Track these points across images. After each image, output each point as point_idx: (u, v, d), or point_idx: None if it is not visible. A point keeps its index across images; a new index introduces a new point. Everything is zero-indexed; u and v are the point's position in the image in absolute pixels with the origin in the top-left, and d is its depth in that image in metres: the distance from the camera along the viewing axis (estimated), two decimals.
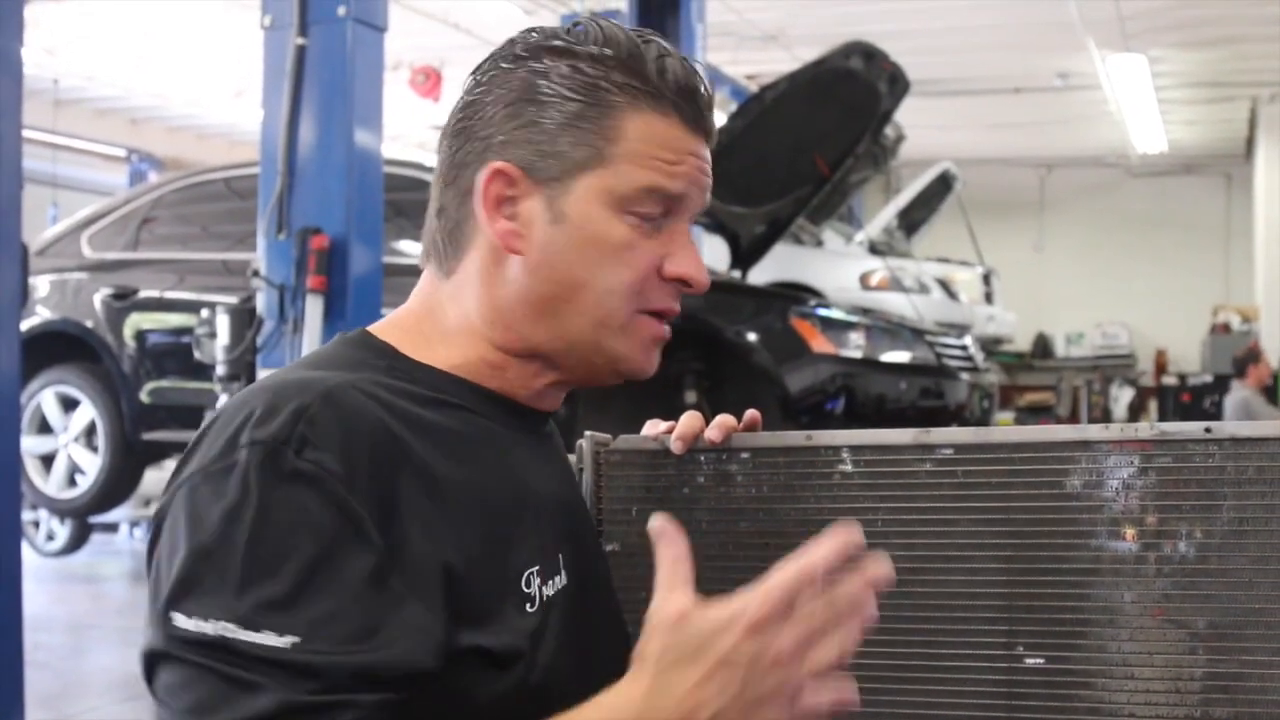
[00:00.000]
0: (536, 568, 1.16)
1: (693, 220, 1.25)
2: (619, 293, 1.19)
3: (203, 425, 1.09)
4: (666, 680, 0.94)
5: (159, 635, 0.98)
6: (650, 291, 1.21)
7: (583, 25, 1.20)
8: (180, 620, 0.97)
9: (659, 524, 1.01)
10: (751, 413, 1.42)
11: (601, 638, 1.25)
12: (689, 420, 1.40)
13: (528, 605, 1.13)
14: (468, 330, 1.21)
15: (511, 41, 1.23)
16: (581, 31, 1.20)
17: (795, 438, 1.38)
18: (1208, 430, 1.26)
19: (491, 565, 1.11)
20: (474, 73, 1.23)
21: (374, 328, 1.24)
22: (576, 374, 1.24)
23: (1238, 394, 9.66)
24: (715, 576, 1.35)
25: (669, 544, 1.00)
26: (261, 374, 4.22)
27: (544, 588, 1.16)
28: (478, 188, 1.18)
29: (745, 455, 1.39)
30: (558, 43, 1.19)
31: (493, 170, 1.18)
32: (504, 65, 1.20)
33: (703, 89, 1.21)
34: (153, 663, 0.99)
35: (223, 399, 4.95)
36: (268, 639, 0.95)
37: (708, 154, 1.23)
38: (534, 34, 1.22)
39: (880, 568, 0.95)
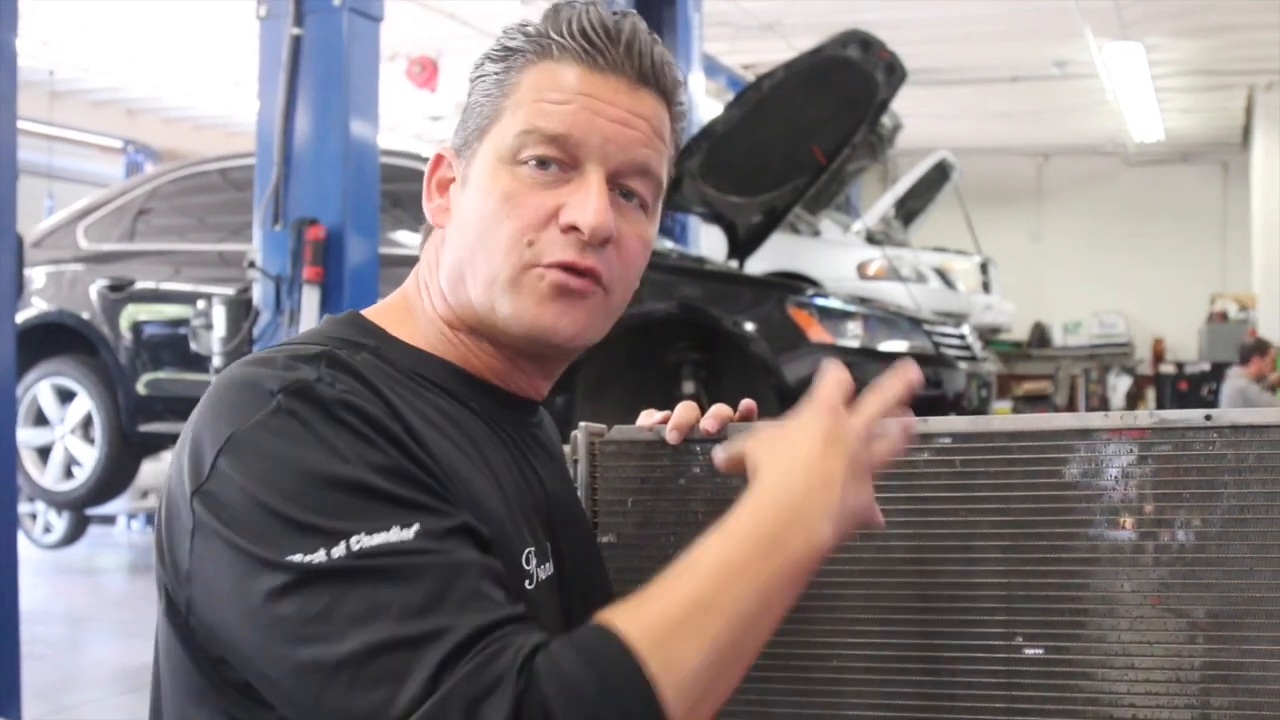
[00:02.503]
0: (531, 548, 1.16)
1: (616, 172, 1.17)
2: (501, 246, 1.15)
3: (204, 402, 1.08)
4: (797, 462, 1.08)
5: (276, 580, 0.97)
6: (541, 244, 1.15)
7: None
8: (301, 558, 0.96)
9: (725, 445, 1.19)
10: (747, 402, 1.40)
11: None
12: (684, 410, 1.39)
13: (526, 582, 1.13)
14: (429, 309, 1.23)
15: None
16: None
17: None
18: (1208, 418, 1.25)
19: (499, 535, 1.11)
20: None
21: (365, 310, 1.26)
22: (506, 345, 1.21)
23: (1235, 382, 9.66)
24: None
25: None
26: None
27: (538, 569, 1.16)
28: (426, 174, 1.25)
29: None
30: (507, 30, 1.21)
31: (435, 157, 1.24)
32: (474, 68, 1.24)
33: (614, 28, 1.17)
34: (272, 601, 0.97)
35: None
36: (395, 535, 0.97)
37: (633, 98, 1.18)
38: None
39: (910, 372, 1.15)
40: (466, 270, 1.18)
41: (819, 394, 1.13)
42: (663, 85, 1.20)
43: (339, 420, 1.02)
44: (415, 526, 0.98)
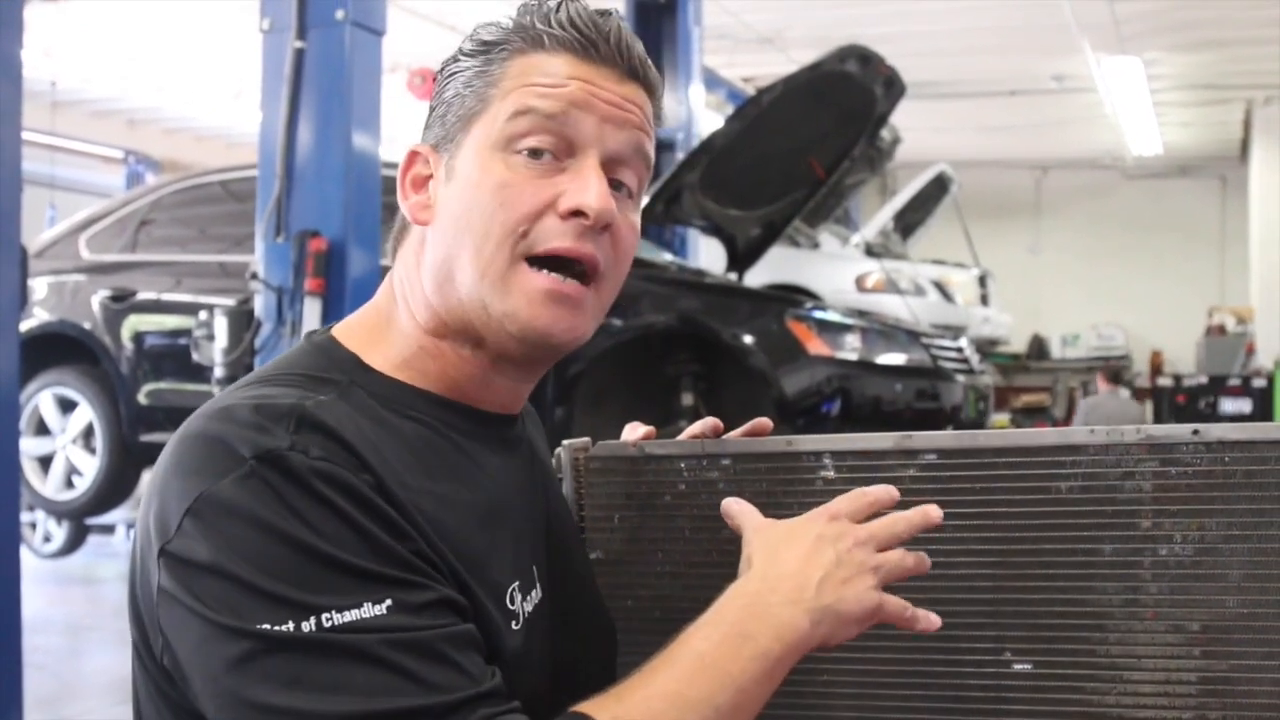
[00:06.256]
0: (516, 583, 1.14)
1: (609, 159, 1.15)
2: (494, 236, 1.11)
3: (168, 456, 1.05)
4: (775, 557, 1.11)
5: (242, 646, 0.95)
6: (537, 233, 1.12)
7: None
8: (270, 627, 0.95)
9: (730, 503, 1.22)
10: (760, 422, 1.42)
11: (585, 644, 1.24)
12: (698, 426, 1.41)
13: (513, 623, 1.11)
14: (406, 319, 1.18)
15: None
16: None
17: (776, 443, 1.37)
18: (1195, 433, 1.26)
19: (480, 578, 1.09)
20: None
21: (340, 330, 1.21)
22: (492, 348, 1.16)
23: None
24: (698, 583, 1.34)
25: (738, 503, 1.21)
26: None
27: (524, 604, 1.14)
28: (399, 173, 1.20)
29: (726, 461, 1.38)
30: (478, 28, 1.19)
31: (409, 154, 1.19)
32: (444, 66, 1.21)
33: (602, 24, 1.15)
34: (236, 669, 0.95)
35: None
36: (367, 610, 0.96)
37: (624, 88, 1.16)
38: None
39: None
40: (454, 266, 1.13)
41: (829, 503, 1.16)
42: (649, 81, 1.19)
43: (313, 492, 0.99)
44: (388, 602, 0.97)
